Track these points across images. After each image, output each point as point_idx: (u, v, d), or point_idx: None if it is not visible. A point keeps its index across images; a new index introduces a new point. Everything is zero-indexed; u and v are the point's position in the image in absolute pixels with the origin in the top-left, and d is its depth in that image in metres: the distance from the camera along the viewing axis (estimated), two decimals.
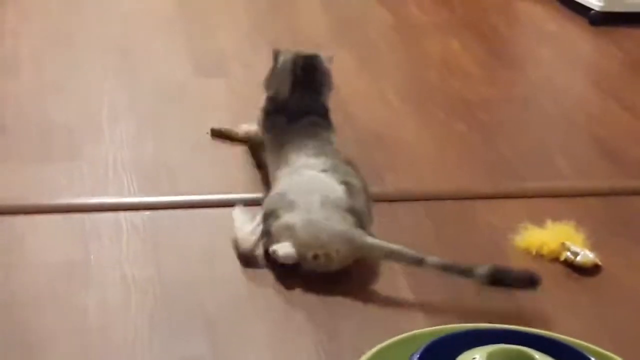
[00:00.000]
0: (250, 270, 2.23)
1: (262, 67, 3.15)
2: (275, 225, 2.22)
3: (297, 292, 2.18)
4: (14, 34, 3.30)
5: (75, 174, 2.57)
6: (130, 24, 3.42)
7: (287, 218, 2.21)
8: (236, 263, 2.25)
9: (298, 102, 2.49)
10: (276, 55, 2.55)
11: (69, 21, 3.41)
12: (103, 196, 2.49)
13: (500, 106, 3.02)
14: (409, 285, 2.19)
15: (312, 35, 3.35)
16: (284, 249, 2.19)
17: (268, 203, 2.28)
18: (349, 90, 2.98)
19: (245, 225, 2.29)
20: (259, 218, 2.27)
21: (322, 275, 2.19)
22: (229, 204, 2.39)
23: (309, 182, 2.29)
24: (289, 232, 2.20)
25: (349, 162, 2.36)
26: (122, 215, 2.42)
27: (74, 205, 2.45)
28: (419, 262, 2.15)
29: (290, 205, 2.22)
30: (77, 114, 2.85)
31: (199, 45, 3.30)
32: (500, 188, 2.58)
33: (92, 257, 2.27)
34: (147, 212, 2.44)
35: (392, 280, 2.21)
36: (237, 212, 2.33)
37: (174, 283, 2.19)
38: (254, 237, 2.26)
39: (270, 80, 2.55)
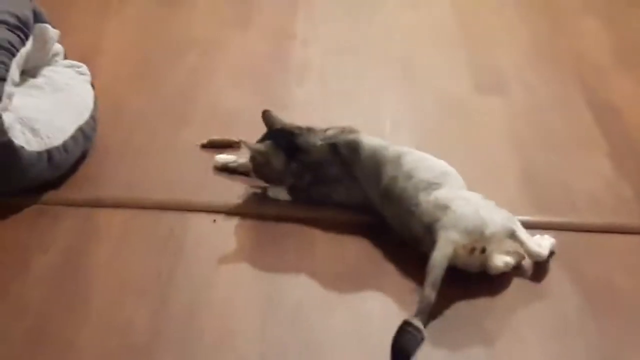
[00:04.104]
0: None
1: (543, 87, 3.16)
2: None
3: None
4: (303, 41, 3.40)
5: None
6: (412, 36, 3.47)
7: None
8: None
9: None
10: None
11: (355, 31, 3.49)
12: None
13: None
14: None
15: (595, 57, 3.32)
16: None
17: None
18: (633, 117, 2.95)
19: None
20: None
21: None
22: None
23: None
24: None
25: None
26: None
27: None
28: None
29: None
30: (361, 123, 2.91)
31: (478, 62, 3.31)
32: None
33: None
34: None
35: None
36: None
37: None
38: None
39: None
